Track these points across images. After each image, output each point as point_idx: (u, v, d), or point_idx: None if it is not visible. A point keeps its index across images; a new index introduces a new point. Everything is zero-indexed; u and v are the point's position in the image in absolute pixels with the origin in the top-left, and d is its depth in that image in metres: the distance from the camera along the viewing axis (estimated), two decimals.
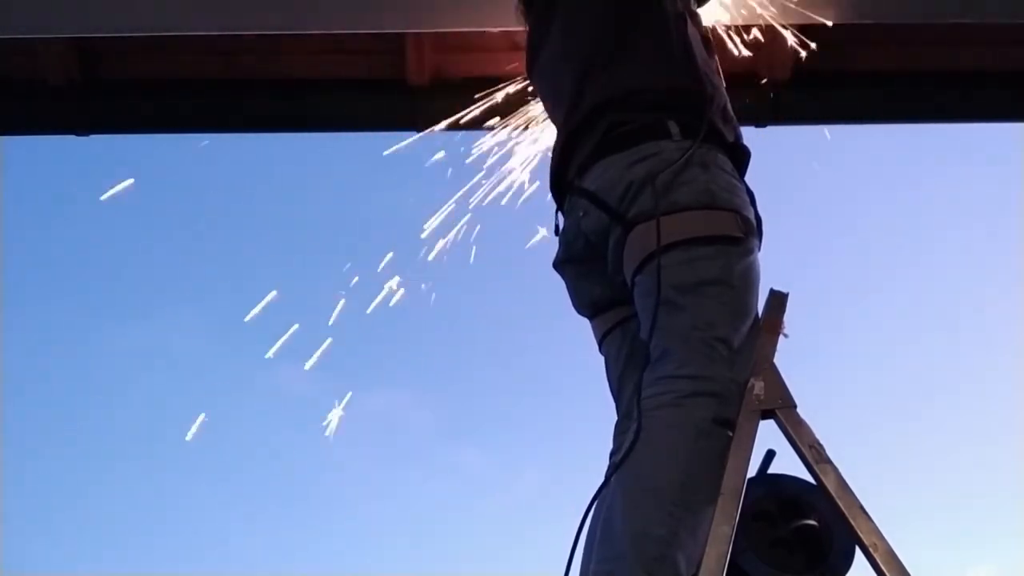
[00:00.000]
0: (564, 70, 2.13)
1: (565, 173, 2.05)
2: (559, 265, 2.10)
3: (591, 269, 2.02)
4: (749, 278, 1.88)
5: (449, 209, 3.39)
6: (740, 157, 2.03)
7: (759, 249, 1.94)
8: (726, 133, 2.00)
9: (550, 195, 2.14)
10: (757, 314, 1.89)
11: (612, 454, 1.92)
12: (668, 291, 1.81)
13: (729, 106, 2.07)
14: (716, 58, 2.20)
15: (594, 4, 2.16)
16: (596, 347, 2.10)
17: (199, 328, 7.87)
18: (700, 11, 2.32)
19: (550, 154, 2.13)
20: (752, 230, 1.91)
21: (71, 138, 3.48)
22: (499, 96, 3.31)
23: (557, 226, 2.11)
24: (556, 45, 2.18)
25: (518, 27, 2.44)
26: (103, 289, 7.85)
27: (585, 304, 2.09)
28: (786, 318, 1.91)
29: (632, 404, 1.81)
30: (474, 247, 3.31)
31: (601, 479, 1.79)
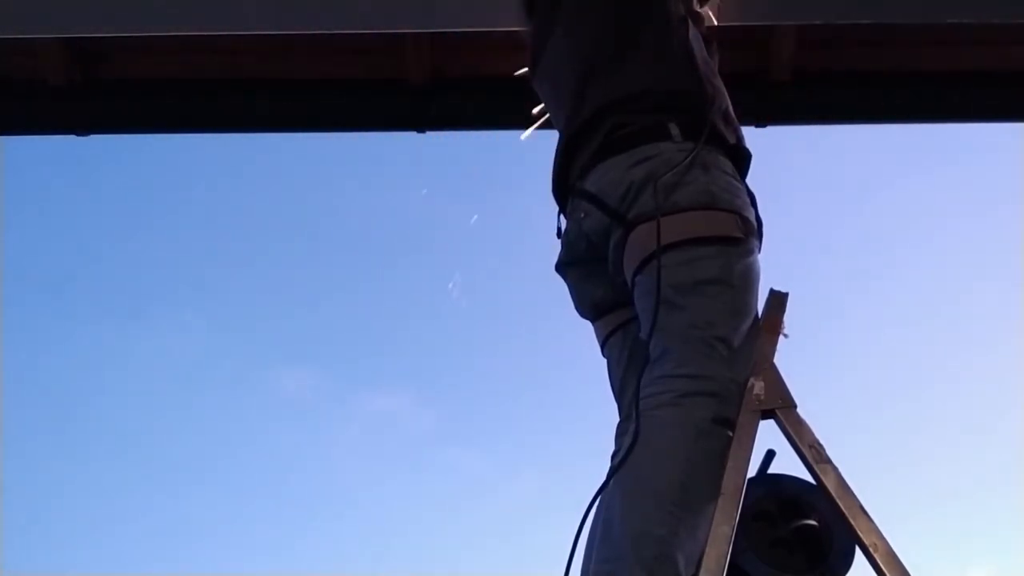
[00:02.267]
0: (566, 72, 2.13)
1: (567, 175, 2.06)
2: (561, 267, 2.10)
3: (593, 271, 2.02)
4: (749, 278, 1.88)
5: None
6: (741, 159, 2.03)
7: (759, 250, 1.94)
8: (727, 135, 2.00)
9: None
10: (757, 314, 1.89)
11: (613, 456, 1.92)
12: (667, 291, 1.81)
13: (730, 108, 2.07)
14: (717, 58, 2.20)
15: (596, 6, 2.16)
16: (596, 349, 2.10)
17: (199, 329, 7.87)
18: (701, 11, 2.32)
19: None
20: (752, 231, 1.91)
21: (71, 138, 3.48)
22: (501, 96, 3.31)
23: (559, 228, 2.11)
24: (558, 47, 2.19)
25: (518, 27, 2.44)
26: (103, 290, 7.85)
27: (587, 306, 2.09)
28: (786, 318, 1.91)
29: (632, 405, 1.81)
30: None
31: (600, 481, 1.79)
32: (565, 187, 2.07)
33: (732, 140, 2.01)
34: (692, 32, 2.11)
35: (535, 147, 2.13)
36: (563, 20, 2.19)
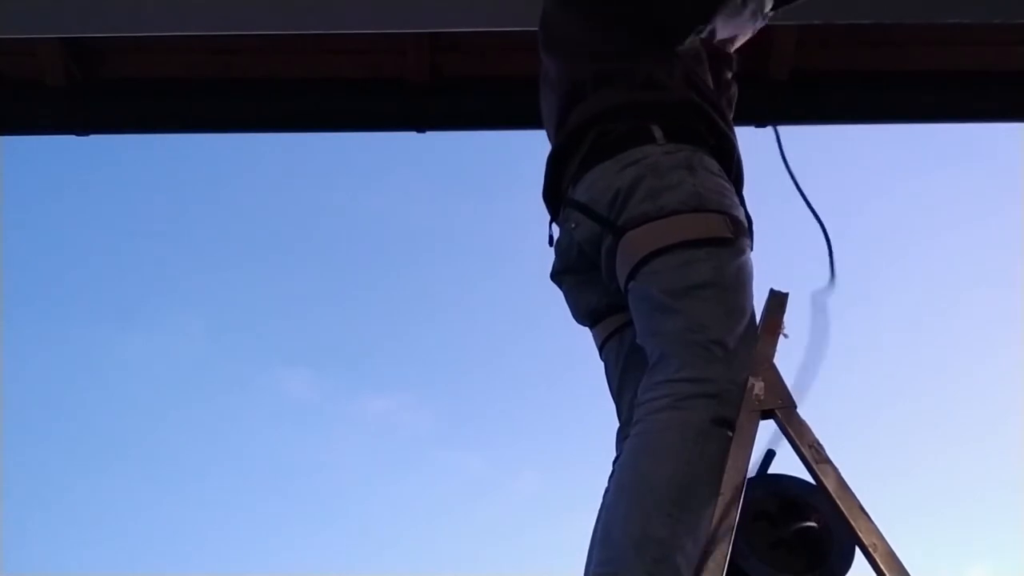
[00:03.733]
0: (554, 97, 2.14)
1: (558, 185, 2.07)
2: (556, 276, 2.11)
3: (587, 278, 2.03)
4: (741, 278, 1.88)
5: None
6: (727, 157, 2.02)
7: (751, 248, 1.94)
8: (708, 134, 2.00)
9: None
10: (754, 313, 1.89)
11: (615, 462, 1.91)
12: (661, 296, 1.82)
13: (715, 107, 2.05)
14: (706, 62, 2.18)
15: (579, 32, 2.16)
16: (595, 350, 2.10)
17: (199, 331, 7.87)
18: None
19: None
20: (743, 230, 1.91)
21: (71, 138, 3.48)
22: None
23: (551, 236, 2.12)
24: (551, 69, 2.20)
25: (517, 27, 2.44)
26: (103, 291, 7.85)
27: (584, 313, 2.09)
28: (786, 318, 1.91)
29: (631, 410, 1.81)
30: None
31: (599, 481, 1.79)
32: (556, 197, 2.08)
33: (712, 139, 2.00)
34: (689, 62, 2.08)
35: (535, 147, 2.13)
36: (551, 48, 2.22)
